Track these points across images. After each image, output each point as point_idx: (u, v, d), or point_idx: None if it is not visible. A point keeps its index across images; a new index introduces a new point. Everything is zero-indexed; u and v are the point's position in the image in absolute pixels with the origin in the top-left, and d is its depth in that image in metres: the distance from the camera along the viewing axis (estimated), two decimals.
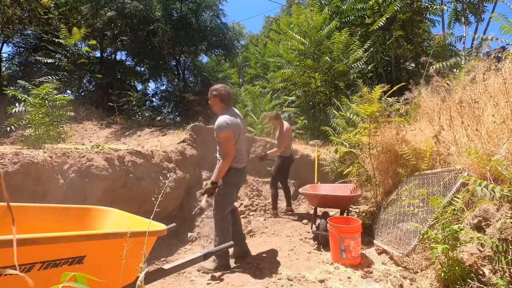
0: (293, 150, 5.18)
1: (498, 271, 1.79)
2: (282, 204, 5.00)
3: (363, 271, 2.43)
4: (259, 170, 5.78)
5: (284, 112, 9.50)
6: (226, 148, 2.53)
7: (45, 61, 8.90)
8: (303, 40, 8.96)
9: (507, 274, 1.71)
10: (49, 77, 5.26)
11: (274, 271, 2.47)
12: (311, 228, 3.46)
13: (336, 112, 7.04)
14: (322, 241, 3.12)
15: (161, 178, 1.55)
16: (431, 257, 2.07)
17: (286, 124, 4.60)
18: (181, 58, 12.84)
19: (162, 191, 1.42)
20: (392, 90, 4.15)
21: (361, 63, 8.66)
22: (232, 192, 2.74)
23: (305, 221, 4.16)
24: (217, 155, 2.78)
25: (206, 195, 2.63)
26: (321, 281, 2.26)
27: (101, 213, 2.00)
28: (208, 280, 2.37)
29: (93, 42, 9.57)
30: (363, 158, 4.09)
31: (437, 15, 8.97)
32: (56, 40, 9.08)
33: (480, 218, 2.08)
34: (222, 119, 2.53)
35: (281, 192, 4.85)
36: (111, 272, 1.31)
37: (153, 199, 1.41)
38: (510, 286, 1.65)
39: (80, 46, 9.97)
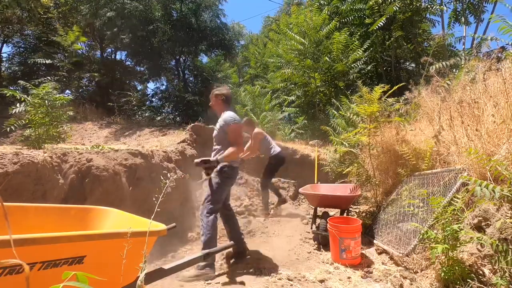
0: (281, 149, 4.91)
1: (498, 271, 1.79)
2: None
3: (363, 271, 2.43)
4: (259, 170, 5.77)
5: (284, 112, 9.51)
6: (236, 139, 2.61)
7: (44, 61, 8.90)
8: (303, 40, 8.97)
9: (507, 274, 1.71)
10: (48, 77, 5.26)
11: (274, 271, 2.47)
12: (311, 228, 3.46)
13: (336, 112, 7.04)
14: (322, 241, 3.12)
15: (162, 178, 1.55)
16: (431, 257, 2.07)
17: (256, 130, 4.65)
18: (181, 58, 12.85)
19: (163, 191, 1.41)
20: (392, 90, 4.15)
21: (360, 63, 8.66)
22: (225, 190, 2.72)
23: (305, 221, 4.17)
24: (213, 152, 2.76)
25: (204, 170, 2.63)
26: (321, 281, 2.26)
27: (101, 213, 2.00)
28: (208, 280, 2.37)
29: (84, 39, 9.52)
30: (363, 158, 4.10)
31: (436, 15, 8.98)
32: (53, 39, 9.09)
33: (480, 218, 2.08)
34: (232, 114, 2.68)
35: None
36: (111, 272, 1.31)
37: (153, 199, 1.41)
38: (510, 286, 1.65)
39: (81, 45, 9.97)
